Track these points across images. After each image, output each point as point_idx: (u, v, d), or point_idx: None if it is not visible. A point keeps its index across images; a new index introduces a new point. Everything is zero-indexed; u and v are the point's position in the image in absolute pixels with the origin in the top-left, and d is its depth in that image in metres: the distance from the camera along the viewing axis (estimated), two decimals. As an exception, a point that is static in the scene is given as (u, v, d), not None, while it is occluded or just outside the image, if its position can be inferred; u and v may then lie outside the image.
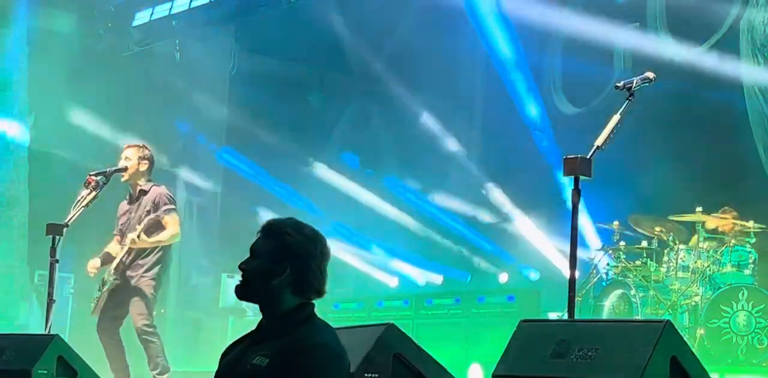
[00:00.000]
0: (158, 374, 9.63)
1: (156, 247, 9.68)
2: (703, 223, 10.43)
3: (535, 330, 5.49)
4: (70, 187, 10.48)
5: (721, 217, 10.51)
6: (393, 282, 15.13)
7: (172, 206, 9.70)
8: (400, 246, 15.05)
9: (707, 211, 10.40)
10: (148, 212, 9.65)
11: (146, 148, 9.93)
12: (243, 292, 4.07)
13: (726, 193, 11.06)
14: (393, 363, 5.92)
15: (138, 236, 9.41)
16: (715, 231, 10.59)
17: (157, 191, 9.75)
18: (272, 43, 16.03)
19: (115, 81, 14.81)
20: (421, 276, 14.91)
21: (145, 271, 9.62)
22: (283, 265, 3.99)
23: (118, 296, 9.61)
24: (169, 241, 9.68)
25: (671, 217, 10.68)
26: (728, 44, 11.95)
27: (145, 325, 9.54)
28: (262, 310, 4.08)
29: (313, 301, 4.09)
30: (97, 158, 12.77)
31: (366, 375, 5.76)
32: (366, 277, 15.25)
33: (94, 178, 9.46)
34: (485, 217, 14.26)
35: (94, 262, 9.76)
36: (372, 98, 15.03)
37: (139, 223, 9.59)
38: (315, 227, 4.13)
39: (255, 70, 16.25)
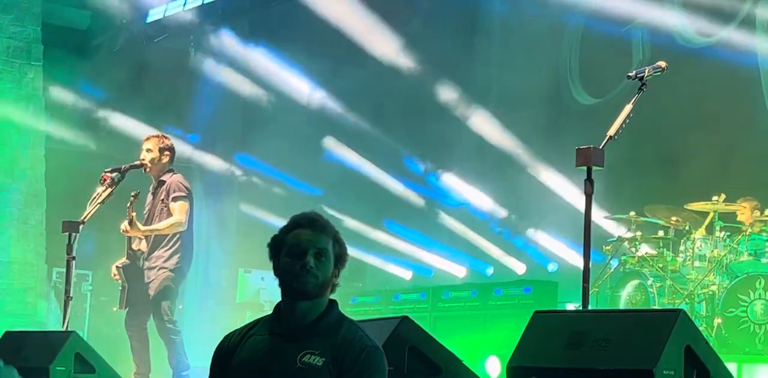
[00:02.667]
0: (178, 371, 9.65)
1: (173, 238, 9.62)
2: (720, 212, 10.40)
3: (549, 321, 5.50)
4: (88, 185, 10.52)
5: (741, 206, 10.48)
6: (408, 275, 15.17)
7: (182, 194, 9.55)
8: (422, 235, 15.09)
9: (724, 200, 10.36)
10: (163, 201, 9.63)
11: (166, 138, 9.88)
12: (315, 290, 4.07)
13: (745, 182, 11.01)
14: (408, 356, 5.93)
15: (129, 223, 9.34)
16: (732, 220, 10.56)
17: (172, 179, 9.68)
18: (285, 36, 16.04)
19: (132, 77, 14.84)
20: (442, 268, 14.97)
21: (164, 262, 9.58)
22: (338, 265, 4.14)
23: (141, 290, 9.60)
24: (169, 230, 9.51)
25: (687, 207, 10.66)
26: (746, 29, 11.90)
27: (166, 320, 9.54)
28: (305, 307, 4.08)
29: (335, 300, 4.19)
30: (115, 155, 12.82)
31: (381, 368, 5.78)
32: (382, 271, 15.27)
33: (109, 175, 9.48)
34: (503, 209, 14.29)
35: (123, 259, 9.74)
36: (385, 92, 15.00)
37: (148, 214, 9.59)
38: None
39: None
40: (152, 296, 9.50)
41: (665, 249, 10.84)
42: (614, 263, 11.07)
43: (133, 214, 9.34)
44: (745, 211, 10.47)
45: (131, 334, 9.70)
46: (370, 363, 3.91)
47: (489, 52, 14.71)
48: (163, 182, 9.67)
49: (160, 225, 9.48)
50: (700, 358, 4.99)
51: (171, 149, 9.78)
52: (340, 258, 4.13)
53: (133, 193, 9.29)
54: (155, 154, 9.70)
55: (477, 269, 14.60)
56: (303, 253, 4.04)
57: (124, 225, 9.34)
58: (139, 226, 9.39)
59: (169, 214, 9.52)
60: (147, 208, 9.75)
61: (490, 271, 14.41)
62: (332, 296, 4.17)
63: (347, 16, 14.23)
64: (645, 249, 10.96)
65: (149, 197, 9.80)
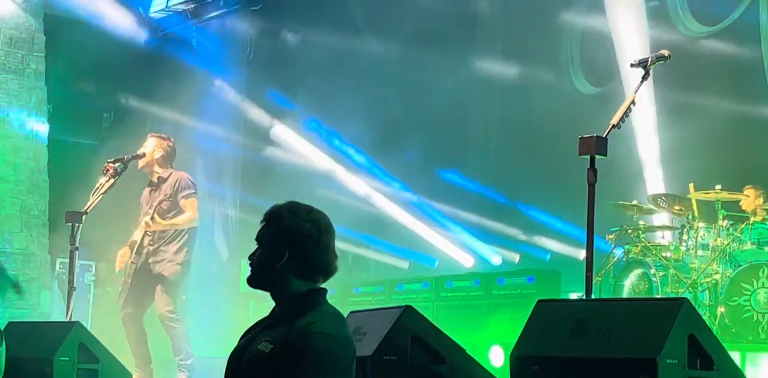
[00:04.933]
0: (181, 360, 9.70)
1: (181, 233, 9.74)
2: (724, 201, 10.39)
3: (552, 310, 5.50)
4: (90, 175, 10.53)
5: (744, 195, 10.45)
6: (405, 264, 15.17)
7: (192, 191, 9.79)
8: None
9: (728, 189, 10.35)
10: (168, 197, 9.73)
11: (169, 139, 10.03)
12: (251, 281, 4.11)
13: (749, 171, 10.99)
14: (411, 345, 5.93)
15: (152, 218, 9.46)
16: (735, 209, 10.54)
17: (177, 176, 9.84)
18: (289, 27, 16.02)
19: (133, 68, 14.83)
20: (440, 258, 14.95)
21: (173, 256, 9.68)
22: (282, 250, 4.00)
23: (143, 284, 9.66)
24: (187, 225, 9.73)
25: (691, 196, 10.64)
26: (749, 19, 11.86)
27: (168, 311, 9.62)
28: (272, 297, 4.11)
29: (324, 287, 4.10)
30: (116, 145, 12.84)
31: (384, 357, 5.78)
32: (384, 261, 15.27)
33: (112, 165, 9.53)
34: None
35: (123, 253, 9.81)
36: (391, 79, 14.96)
37: (152, 209, 9.66)
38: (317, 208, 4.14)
39: (272, 54, 16.24)
40: (158, 290, 9.60)
41: (668, 238, 10.84)
42: (617, 252, 11.07)
43: (155, 208, 9.49)
44: (749, 199, 10.44)
45: (128, 328, 9.77)
46: (313, 347, 3.77)
47: (491, 39, 14.65)
48: (164, 179, 9.81)
49: (179, 220, 9.72)
50: (703, 346, 4.99)
51: (166, 148, 9.96)
52: (278, 236, 4.03)
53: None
54: (150, 149, 9.86)
55: (483, 258, 14.57)
56: None
57: (146, 220, 9.48)
58: (159, 220, 9.54)
59: (178, 210, 9.68)
60: (147, 204, 9.84)
61: (496, 260, 14.38)
62: (335, 286, 4.15)
63: None
64: (648, 238, 10.95)
65: (146, 192, 9.92)
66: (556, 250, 13.38)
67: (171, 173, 9.86)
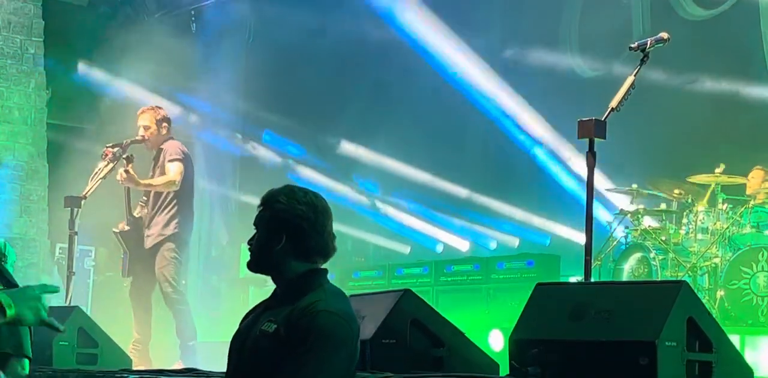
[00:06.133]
0: (184, 342, 9.70)
1: (171, 202, 9.66)
2: (723, 184, 10.38)
3: (552, 293, 5.49)
4: (89, 160, 10.53)
5: (750, 178, 10.43)
6: (407, 249, 15.17)
7: (178, 156, 9.65)
8: (425, 209, 15.06)
9: (727, 172, 10.34)
10: (160, 167, 9.70)
11: (160, 108, 9.97)
12: (251, 266, 4.14)
13: (749, 154, 10.96)
14: (410, 329, 5.94)
15: (126, 171, 9.36)
16: (735, 192, 10.53)
17: (168, 145, 9.76)
18: (289, 11, 15.97)
19: (132, 52, 14.79)
20: (442, 242, 14.94)
21: (163, 229, 9.63)
22: (279, 233, 4.02)
23: (143, 258, 9.64)
24: (163, 188, 9.58)
25: (690, 179, 10.64)
26: (748, 1, 11.84)
27: (171, 290, 9.60)
28: (273, 280, 4.14)
29: (325, 267, 4.10)
30: (115, 130, 12.81)
31: (383, 341, 5.78)
32: (384, 245, 15.27)
33: (111, 150, 9.53)
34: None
35: (122, 225, 9.77)
36: (390, 68, 14.93)
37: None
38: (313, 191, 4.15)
39: (272, 39, 16.20)
40: (157, 267, 9.58)
41: (668, 222, 10.83)
42: (617, 236, 11.07)
43: (130, 164, 9.39)
44: (755, 179, 10.38)
45: (135, 303, 9.79)
46: (318, 325, 3.79)
47: (490, 20, 14.60)
48: (162, 150, 9.75)
49: (155, 180, 9.59)
50: (702, 329, 4.99)
51: (167, 119, 9.87)
52: (275, 220, 4.06)
53: (124, 156, 9.38)
54: (153, 128, 9.79)
55: (479, 243, 14.57)
56: None
57: (120, 172, 9.37)
58: (134, 175, 9.42)
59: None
60: (149, 176, 9.81)
61: (492, 244, 14.39)
62: (334, 271, 4.15)
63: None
64: (648, 222, 10.95)
65: (151, 169, 9.89)
66: (557, 233, 13.39)
67: (168, 143, 9.80)
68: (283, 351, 3.80)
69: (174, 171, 9.58)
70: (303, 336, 3.75)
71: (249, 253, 4.13)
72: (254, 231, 4.14)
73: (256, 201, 4.21)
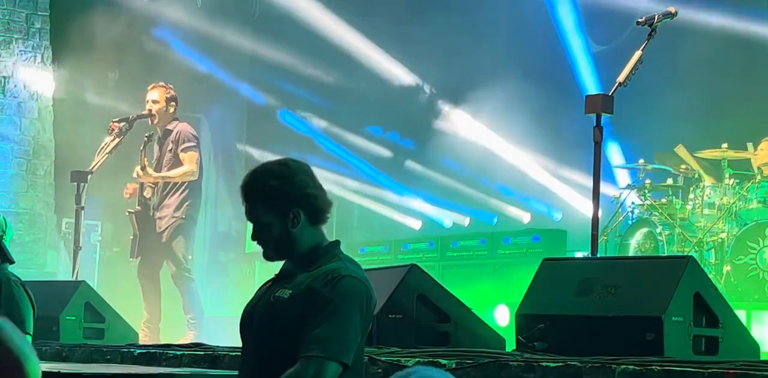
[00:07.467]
0: (192, 318, 9.73)
1: (182, 185, 9.67)
2: (730, 159, 10.35)
3: (558, 269, 5.50)
4: (96, 135, 10.52)
5: (760, 149, 10.38)
6: (417, 225, 15.12)
7: (192, 144, 9.66)
8: (425, 187, 15.02)
9: (733, 147, 10.31)
10: (170, 151, 9.67)
11: (170, 87, 9.94)
12: (273, 257, 4.01)
13: (755, 129, 10.91)
14: (416, 303, 5.95)
15: (142, 169, 9.39)
16: (742, 167, 10.50)
17: (179, 128, 9.74)
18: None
19: (138, 25, 14.76)
20: (447, 218, 14.91)
21: (174, 211, 9.64)
22: (291, 211, 3.90)
23: (152, 239, 9.66)
24: (182, 178, 9.60)
25: (697, 154, 10.62)
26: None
27: (181, 269, 9.62)
28: (289, 258, 4.04)
29: (337, 239, 4.06)
30: (122, 104, 12.81)
31: (390, 316, 5.80)
32: (391, 220, 15.24)
33: (117, 124, 9.53)
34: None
35: (133, 186, 9.76)
36: (395, 38, 14.86)
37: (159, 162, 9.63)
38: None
39: (277, 14, 16.12)
40: (165, 245, 9.59)
41: (674, 197, 10.81)
42: (623, 211, 11.05)
43: (146, 158, 9.42)
44: (763, 152, 10.30)
45: (144, 283, 9.80)
46: (343, 289, 3.75)
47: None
48: (170, 131, 9.71)
49: (172, 173, 9.58)
50: (709, 304, 5.00)
51: (174, 99, 9.83)
52: (275, 202, 3.91)
53: (147, 135, 9.37)
54: (162, 104, 9.75)
55: (482, 219, 14.54)
56: None
57: (137, 170, 9.42)
58: (151, 171, 9.46)
59: (179, 163, 9.58)
60: (155, 157, 9.79)
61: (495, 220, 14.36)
62: (343, 244, 4.11)
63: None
64: (654, 197, 10.93)
65: (155, 147, 9.84)
66: (564, 208, 13.36)
67: (176, 125, 9.78)
68: (297, 315, 3.78)
69: (190, 160, 9.59)
70: (327, 299, 3.72)
71: (263, 247, 3.98)
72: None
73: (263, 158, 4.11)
